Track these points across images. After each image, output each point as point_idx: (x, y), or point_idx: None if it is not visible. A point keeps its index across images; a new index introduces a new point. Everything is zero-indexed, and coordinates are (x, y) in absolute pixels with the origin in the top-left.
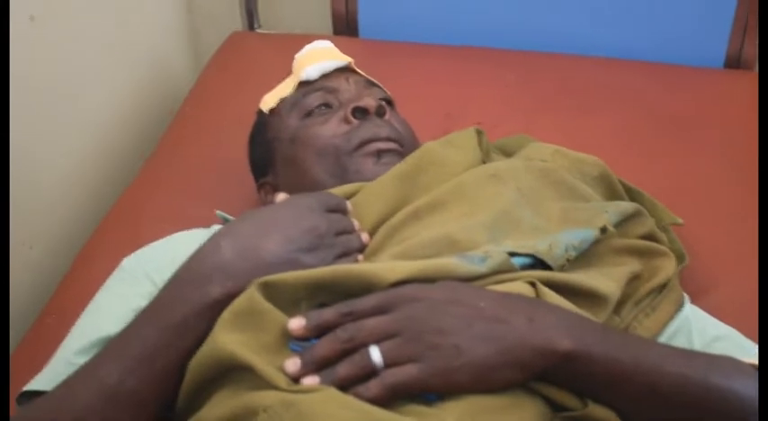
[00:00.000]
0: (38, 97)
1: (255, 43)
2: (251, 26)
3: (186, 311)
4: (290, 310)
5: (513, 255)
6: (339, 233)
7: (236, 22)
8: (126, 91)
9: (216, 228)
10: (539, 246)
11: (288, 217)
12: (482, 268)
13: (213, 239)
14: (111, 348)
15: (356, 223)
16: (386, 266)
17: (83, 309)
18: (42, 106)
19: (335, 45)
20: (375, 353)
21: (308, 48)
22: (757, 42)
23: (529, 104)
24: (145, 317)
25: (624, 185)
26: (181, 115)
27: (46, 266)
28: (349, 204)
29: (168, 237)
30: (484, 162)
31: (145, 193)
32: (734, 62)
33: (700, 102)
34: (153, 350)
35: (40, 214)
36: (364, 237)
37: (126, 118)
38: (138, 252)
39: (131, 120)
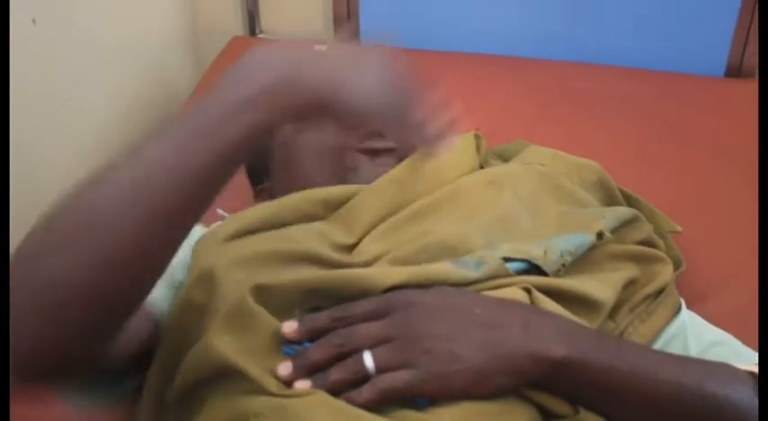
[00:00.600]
0: (38, 100)
1: None
2: (252, 31)
3: (215, 110)
4: (283, 315)
5: (508, 260)
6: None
7: (238, 27)
8: (127, 94)
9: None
10: (534, 252)
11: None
12: (476, 274)
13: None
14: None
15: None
16: (380, 272)
17: None
18: (42, 109)
19: None
20: (368, 359)
21: None
22: (758, 50)
23: (530, 111)
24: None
25: (622, 192)
26: None
27: None
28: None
29: None
30: (482, 167)
31: None
32: (735, 71)
33: (701, 110)
34: (193, 131)
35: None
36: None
37: (126, 121)
38: None
39: (131, 124)
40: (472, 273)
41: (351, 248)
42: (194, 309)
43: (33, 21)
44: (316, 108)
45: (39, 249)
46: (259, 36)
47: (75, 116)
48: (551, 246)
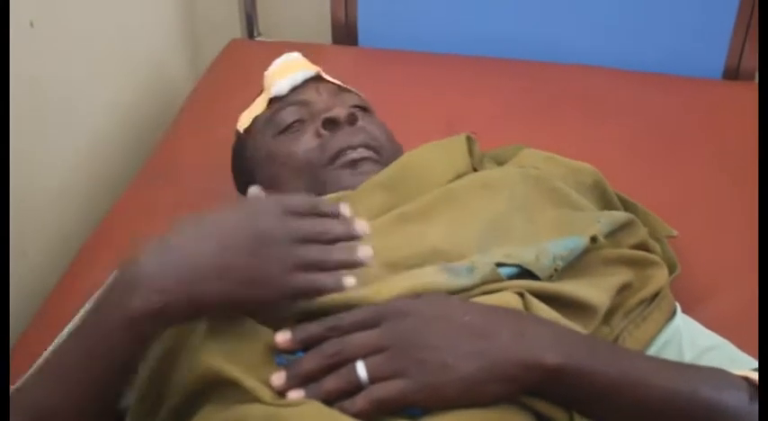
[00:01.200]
0: (35, 102)
1: (255, 51)
2: (251, 34)
3: (104, 325)
4: (276, 325)
5: (500, 265)
6: (304, 240)
7: (236, 30)
8: (125, 96)
9: None
10: (526, 257)
11: (232, 221)
12: (469, 281)
13: (145, 249)
14: (38, 365)
15: (356, 227)
16: (372, 292)
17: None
18: (40, 111)
19: (334, 54)
20: (361, 368)
21: (276, 62)
22: (757, 52)
23: (529, 114)
24: (72, 331)
25: (618, 197)
26: (179, 121)
27: (41, 272)
28: (343, 207)
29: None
30: (475, 169)
31: (140, 201)
32: (732, 73)
33: (698, 112)
34: (73, 367)
35: (34, 220)
36: (362, 251)
37: (124, 123)
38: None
39: (129, 126)
40: (464, 281)
41: None
42: (180, 330)
43: (31, 23)
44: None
45: None
46: (257, 38)
47: (74, 118)
48: (543, 251)
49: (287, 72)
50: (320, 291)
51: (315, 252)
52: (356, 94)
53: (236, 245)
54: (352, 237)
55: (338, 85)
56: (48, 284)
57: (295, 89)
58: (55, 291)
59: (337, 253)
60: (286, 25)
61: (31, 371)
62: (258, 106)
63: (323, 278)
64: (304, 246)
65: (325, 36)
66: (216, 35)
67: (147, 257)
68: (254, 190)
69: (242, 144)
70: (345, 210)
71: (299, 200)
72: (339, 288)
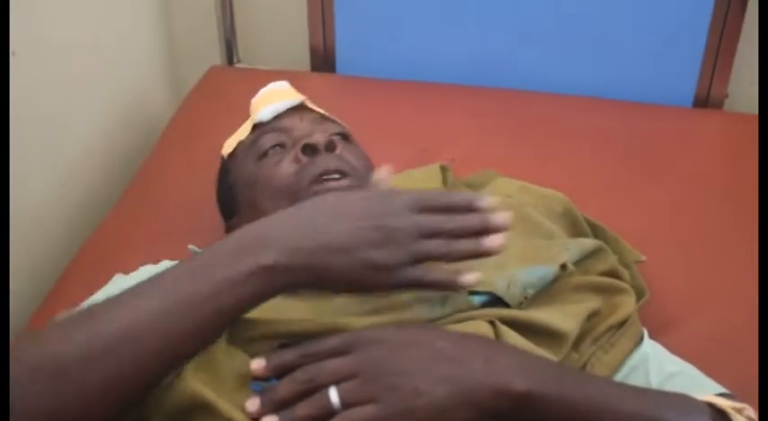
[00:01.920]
0: (17, 131)
1: (234, 78)
2: (230, 60)
3: (225, 270)
4: (254, 350)
5: (472, 292)
6: (430, 235)
7: (216, 56)
8: (106, 123)
9: None
10: (497, 285)
11: (365, 207)
12: (440, 312)
13: (278, 213)
14: (146, 285)
15: (494, 219)
16: (344, 322)
17: None
18: (20, 139)
19: (312, 81)
20: (333, 394)
21: (262, 90)
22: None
23: (502, 141)
24: (181, 270)
25: (588, 221)
26: (158, 148)
27: (19, 297)
28: (482, 199)
29: (134, 273)
30: None
31: (121, 226)
32: (703, 101)
33: (669, 140)
34: (189, 300)
35: (14, 246)
36: (493, 240)
37: (104, 150)
38: (107, 286)
39: (109, 153)
40: (438, 310)
41: None
42: None
43: (12, 53)
44: (312, 284)
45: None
46: (237, 65)
47: (53, 145)
48: (514, 279)
49: (272, 99)
50: (435, 286)
51: (438, 245)
52: (338, 123)
53: (366, 230)
54: (490, 231)
55: (321, 114)
56: (28, 307)
57: (278, 116)
58: (33, 316)
59: (463, 244)
60: (265, 52)
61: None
62: (242, 132)
63: (439, 274)
64: (429, 240)
65: (304, 63)
66: (196, 61)
67: (281, 219)
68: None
69: (226, 168)
70: (483, 201)
71: (433, 195)
72: (453, 284)
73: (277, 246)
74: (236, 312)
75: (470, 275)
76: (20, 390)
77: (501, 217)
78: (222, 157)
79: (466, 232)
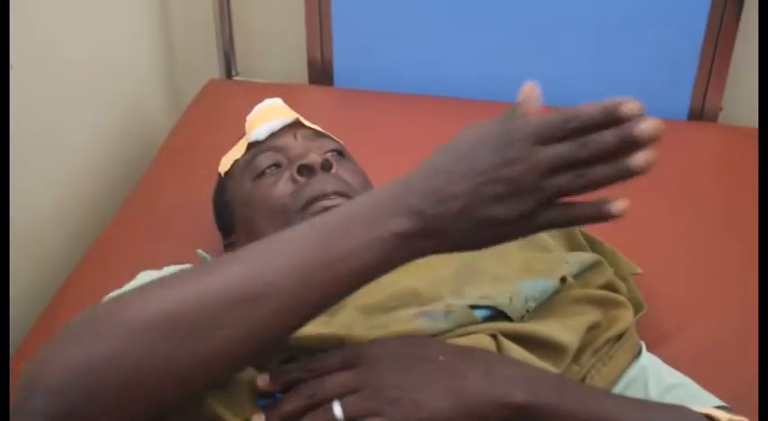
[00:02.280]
0: (15, 141)
1: (233, 91)
2: (228, 74)
3: (359, 235)
4: (261, 365)
5: (474, 307)
6: (560, 170)
7: (214, 70)
8: (104, 136)
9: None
10: (499, 299)
11: (483, 154)
12: (446, 324)
13: (407, 175)
14: (256, 250)
15: (639, 128)
16: (349, 338)
17: None
18: (20, 151)
19: (310, 94)
20: (337, 409)
21: (257, 108)
22: (723, 93)
23: None
24: (310, 234)
25: (585, 235)
26: (157, 161)
27: (21, 307)
28: (627, 104)
29: (136, 278)
30: None
31: (121, 239)
32: (697, 114)
33: (664, 153)
34: (316, 264)
35: (14, 255)
36: (638, 158)
37: (103, 163)
38: (113, 294)
39: (108, 166)
40: (441, 325)
41: None
42: None
43: (11, 66)
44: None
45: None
46: (235, 78)
47: (52, 159)
48: (516, 293)
49: (266, 118)
50: (579, 222)
51: (572, 179)
52: (333, 140)
53: (486, 186)
54: (634, 146)
55: (315, 131)
56: (30, 317)
57: (273, 134)
58: (37, 323)
59: (602, 170)
60: (263, 65)
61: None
62: (238, 150)
63: (581, 209)
64: (560, 175)
65: (302, 76)
66: (194, 75)
67: (412, 182)
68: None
69: (222, 186)
70: (622, 106)
71: (556, 120)
72: (601, 214)
73: (407, 213)
74: (361, 278)
75: (620, 202)
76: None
77: (646, 125)
78: (219, 175)
79: (604, 156)
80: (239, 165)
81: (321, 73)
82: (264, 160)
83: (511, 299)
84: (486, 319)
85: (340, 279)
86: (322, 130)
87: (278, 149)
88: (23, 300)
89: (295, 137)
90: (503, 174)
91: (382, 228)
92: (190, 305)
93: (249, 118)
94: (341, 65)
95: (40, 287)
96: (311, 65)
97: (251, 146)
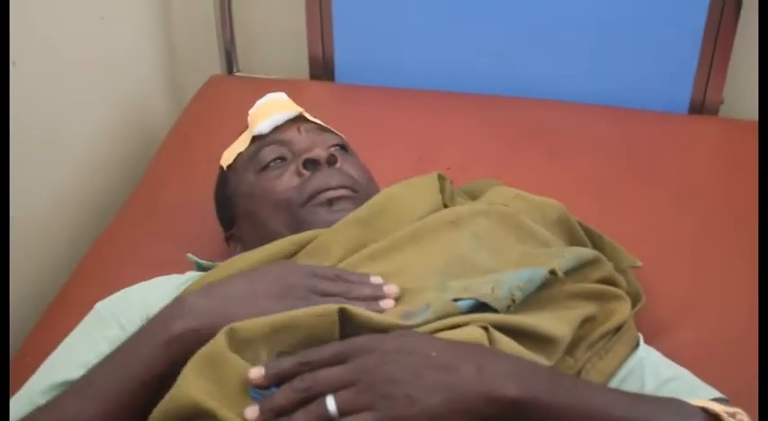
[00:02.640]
0: (17, 138)
1: (234, 86)
2: (230, 70)
3: (145, 346)
4: (253, 358)
5: (458, 299)
6: (320, 293)
7: (216, 66)
8: (105, 132)
9: (191, 274)
10: (482, 290)
11: (264, 271)
12: (424, 318)
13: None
14: (75, 384)
15: (384, 289)
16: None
17: None
18: (21, 148)
19: (311, 89)
20: (330, 403)
21: (260, 102)
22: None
23: (499, 149)
24: (109, 355)
25: (584, 228)
26: (159, 157)
27: (22, 306)
28: (374, 278)
29: (143, 283)
30: (446, 206)
31: (123, 235)
32: (698, 107)
33: (665, 146)
34: (111, 382)
35: (15, 254)
36: (386, 303)
37: (105, 160)
38: (113, 296)
39: (110, 162)
40: (422, 317)
41: None
42: None
43: (13, 63)
44: None
45: None
46: (236, 74)
47: (54, 155)
48: (499, 283)
49: (270, 112)
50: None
51: (334, 287)
52: (336, 134)
53: (265, 283)
54: (378, 298)
55: (319, 125)
56: (33, 314)
57: (277, 128)
58: (40, 321)
59: (358, 289)
60: (264, 61)
61: (67, 389)
62: (241, 143)
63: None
64: (314, 297)
65: (303, 72)
66: (196, 71)
67: (187, 294)
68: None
69: (224, 179)
70: (376, 279)
71: (327, 269)
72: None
73: (183, 315)
74: (163, 380)
75: (387, 301)
76: None
77: (390, 288)
78: (221, 168)
79: (355, 297)
80: (243, 158)
81: (322, 68)
82: (269, 153)
83: (492, 289)
84: (472, 311)
85: (144, 387)
86: (325, 125)
87: (282, 143)
88: (25, 299)
89: (299, 131)
90: (286, 279)
91: (161, 335)
92: None
93: (252, 111)
94: (342, 60)
95: (41, 287)
96: (312, 60)
97: (254, 139)
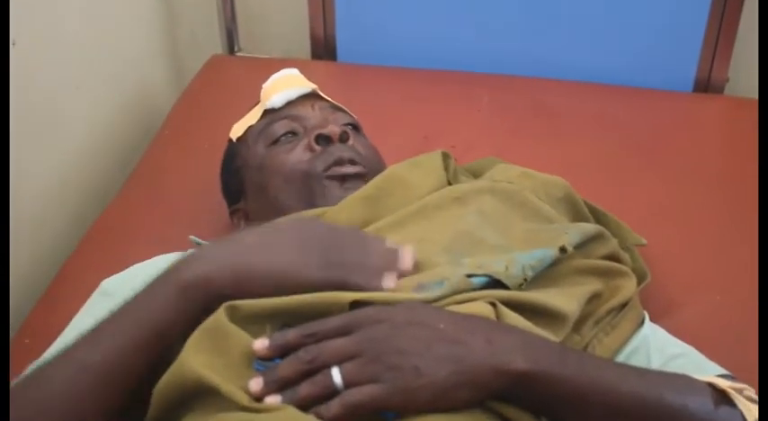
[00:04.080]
0: (18, 119)
1: (235, 66)
2: (231, 49)
3: (158, 294)
4: (256, 331)
5: (471, 276)
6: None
7: (217, 45)
8: (107, 112)
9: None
10: (495, 267)
11: (280, 222)
12: (439, 292)
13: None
14: (85, 333)
15: (404, 255)
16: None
17: (59, 330)
18: (23, 127)
19: (313, 69)
20: (336, 374)
21: (274, 77)
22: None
23: (503, 127)
24: (121, 305)
25: (589, 206)
26: (160, 137)
27: (23, 285)
28: (393, 243)
29: (147, 261)
30: (450, 184)
31: (124, 214)
32: (703, 86)
33: (669, 125)
34: (121, 329)
35: (19, 234)
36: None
37: (106, 139)
38: (118, 274)
39: (111, 142)
40: (436, 292)
41: None
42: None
43: (13, 42)
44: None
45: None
46: (238, 54)
47: (56, 134)
48: (513, 261)
49: (283, 86)
50: (348, 287)
51: (349, 256)
52: (349, 114)
53: (283, 234)
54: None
55: (332, 104)
56: (33, 295)
57: (290, 103)
58: (40, 301)
59: (377, 258)
60: (266, 41)
61: (83, 333)
62: (252, 117)
63: (356, 276)
64: (342, 252)
65: (305, 51)
66: (197, 51)
67: (200, 246)
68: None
69: (233, 152)
70: (392, 244)
71: (346, 229)
72: (370, 286)
73: (193, 264)
74: (173, 333)
75: (388, 279)
76: None
77: (407, 253)
78: (230, 141)
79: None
80: (253, 130)
81: (324, 48)
82: (281, 127)
83: (507, 267)
84: (484, 287)
85: (154, 338)
86: (339, 104)
87: (294, 118)
88: (25, 280)
89: (312, 107)
90: (303, 232)
91: (174, 281)
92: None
93: (266, 85)
94: (343, 40)
95: (41, 267)
96: (314, 40)
97: (266, 113)
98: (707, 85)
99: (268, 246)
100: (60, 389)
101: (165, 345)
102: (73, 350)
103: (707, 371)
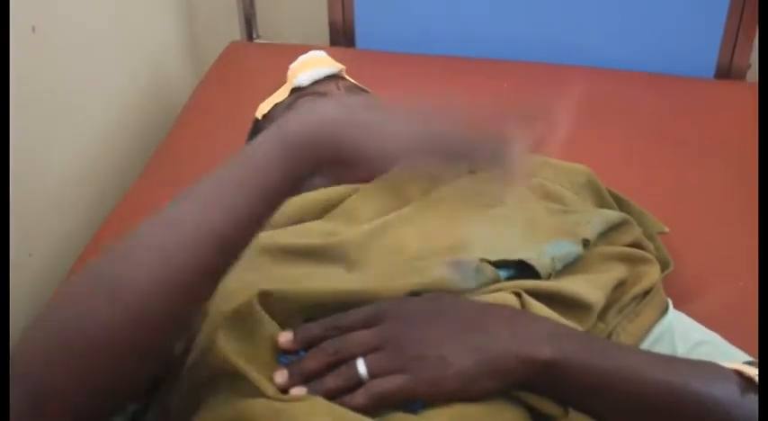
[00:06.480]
0: (39, 105)
1: (254, 53)
2: (250, 36)
3: (258, 149)
4: (286, 321)
5: (503, 262)
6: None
7: (235, 32)
8: (126, 99)
9: None
10: (527, 254)
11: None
12: (474, 283)
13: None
14: (180, 194)
15: None
16: (385, 287)
17: None
18: (43, 113)
19: (332, 55)
20: (361, 366)
21: (302, 58)
22: (750, 51)
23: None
24: (220, 166)
25: (612, 194)
26: (179, 124)
27: (45, 273)
28: None
29: None
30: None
31: (143, 202)
32: (725, 72)
33: (691, 111)
34: (223, 185)
35: (39, 221)
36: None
37: (125, 126)
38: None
39: (131, 129)
40: (471, 283)
41: None
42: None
43: (33, 29)
44: (335, 163)
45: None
46: (256, 41)
47: (75, 121)
48: (543, 251)
49: (311, 66)
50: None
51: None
52: (375, 97)
53: (399, 109)
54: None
55: (358, 85)
56: (52, 284)
57: (316, 82)
58: (55, 294)
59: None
60: (284, 27)
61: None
62: (279, 95)
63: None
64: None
65: (323, 38)
66: (215, 38)
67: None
68: None
69: (259, 129)
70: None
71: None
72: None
73: (300, 116)
74: (275, 195)
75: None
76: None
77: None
78: (256, 119)
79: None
80: (279, 108)
81: (342, 34)
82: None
83: (539, 256)
84: (510, 278)
85: (255, 200)
86: (365, 87)
87: (320, 96)
88: (46, 264)
89: (338, 87)
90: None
91: (280, 131)
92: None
93: (293, 65)
94: (362, 26)
95: (62, 252)
96: (332, 26)
97: (293, 91)
98: (729, 71)
99: (376, 108)
100: (157, 242)
101: (271, 212)
102: (169, 208)
103: (733, 357)
